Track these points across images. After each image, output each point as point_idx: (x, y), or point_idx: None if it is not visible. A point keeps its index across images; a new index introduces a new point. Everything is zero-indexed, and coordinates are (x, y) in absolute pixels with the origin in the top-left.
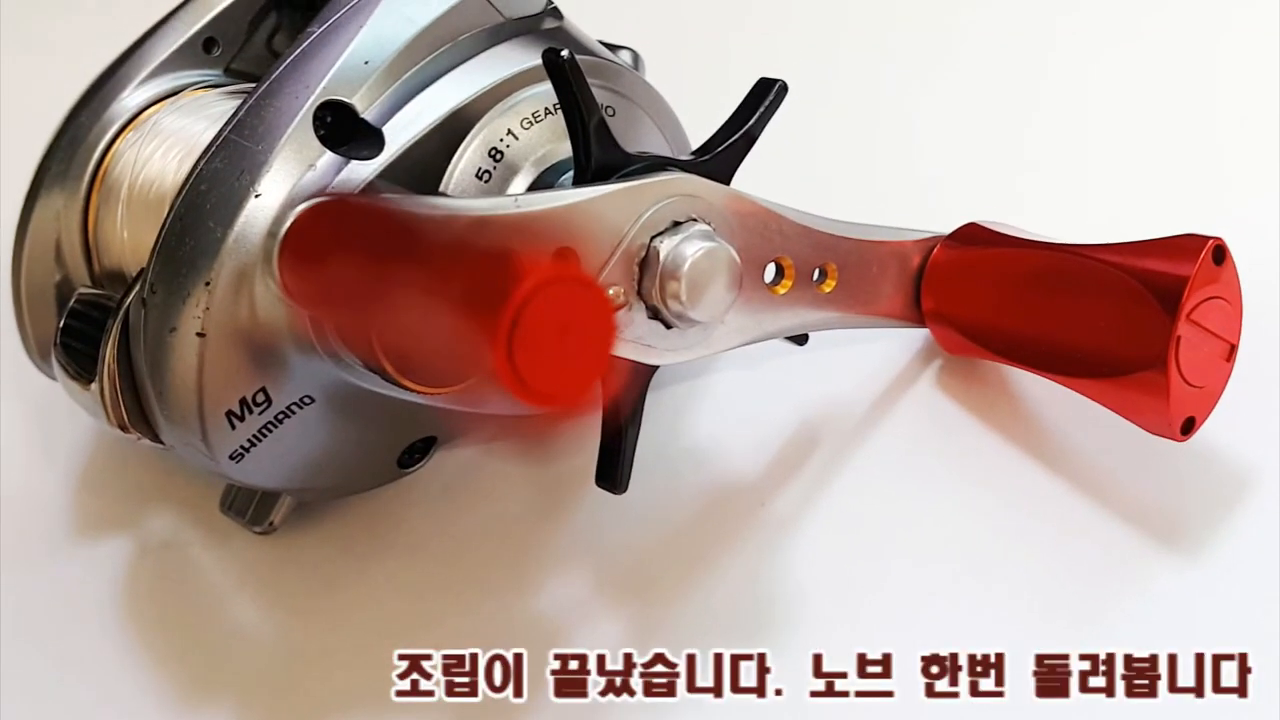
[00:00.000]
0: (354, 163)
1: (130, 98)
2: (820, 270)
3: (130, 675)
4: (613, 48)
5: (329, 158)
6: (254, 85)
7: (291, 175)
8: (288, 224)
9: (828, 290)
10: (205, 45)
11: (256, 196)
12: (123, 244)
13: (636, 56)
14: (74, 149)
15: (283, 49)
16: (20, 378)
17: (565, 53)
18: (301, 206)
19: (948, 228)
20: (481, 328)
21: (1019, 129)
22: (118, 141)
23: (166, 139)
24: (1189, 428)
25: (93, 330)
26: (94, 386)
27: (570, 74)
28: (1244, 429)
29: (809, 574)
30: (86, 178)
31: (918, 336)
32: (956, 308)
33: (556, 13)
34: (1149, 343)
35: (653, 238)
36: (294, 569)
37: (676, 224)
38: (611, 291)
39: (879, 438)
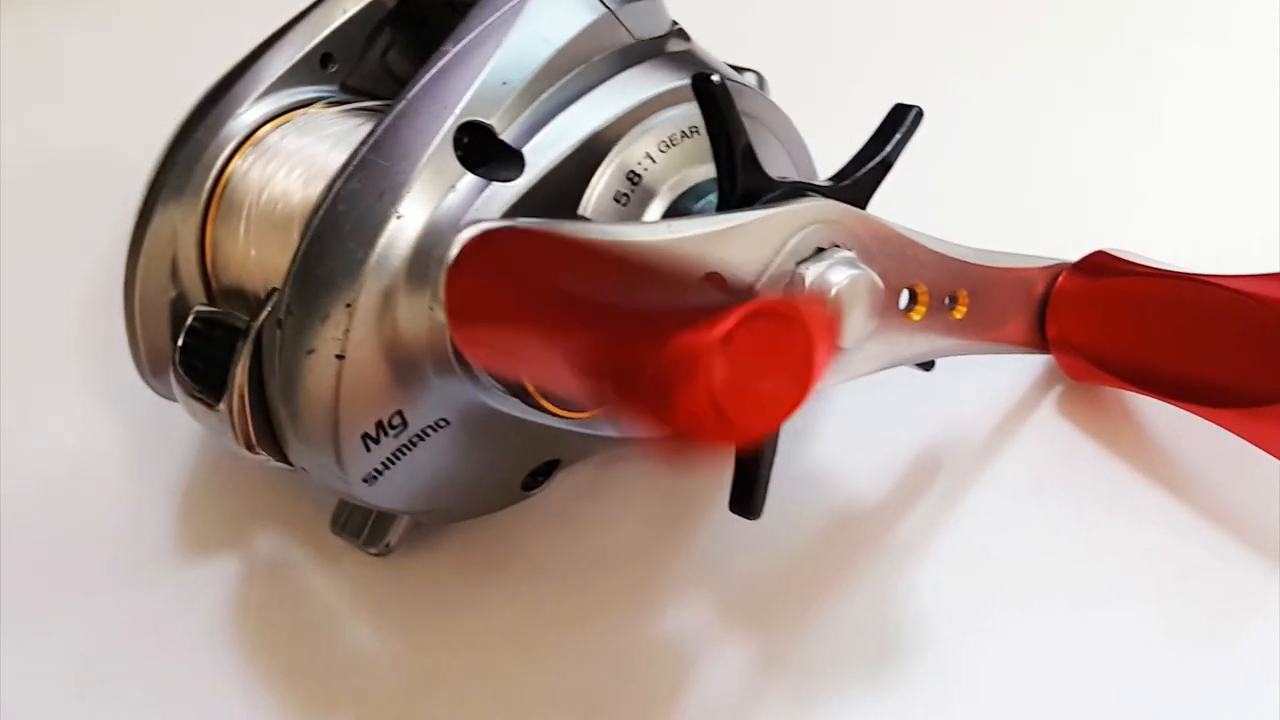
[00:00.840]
0: (495, 185)
1: (247, 114)
2: (951, 296)
3: (240, 700)
4: (737, 69)
5: (470, 180)
6: (385, 104)
7: (433, 197)
8: (454, 250)
9: (958, 316)
10: (322, 61)
11: (398, 218)
12: (244, 262)
13: (761, 79)
14: (190, 165)
15: (397, 66)
16: (119, 394)
17: (716, 77)
18: (469, 233)
19: (1059, 253)
20: (681, 363)
21: (1139, 155)
22: (235, 158)
23: (289, 158)
24: None
25: (213, 349)
26: (221, 406)
27: (720, 99)
28: None
29: (934, 604)
30: (204, 194)
31: (1038, 362)
32: (1084, 335)
33: (684, 34)
34: None
35: (798, 264)
36: (409, 592)
37: (820, 250)
38: None
39: (1003, 464)
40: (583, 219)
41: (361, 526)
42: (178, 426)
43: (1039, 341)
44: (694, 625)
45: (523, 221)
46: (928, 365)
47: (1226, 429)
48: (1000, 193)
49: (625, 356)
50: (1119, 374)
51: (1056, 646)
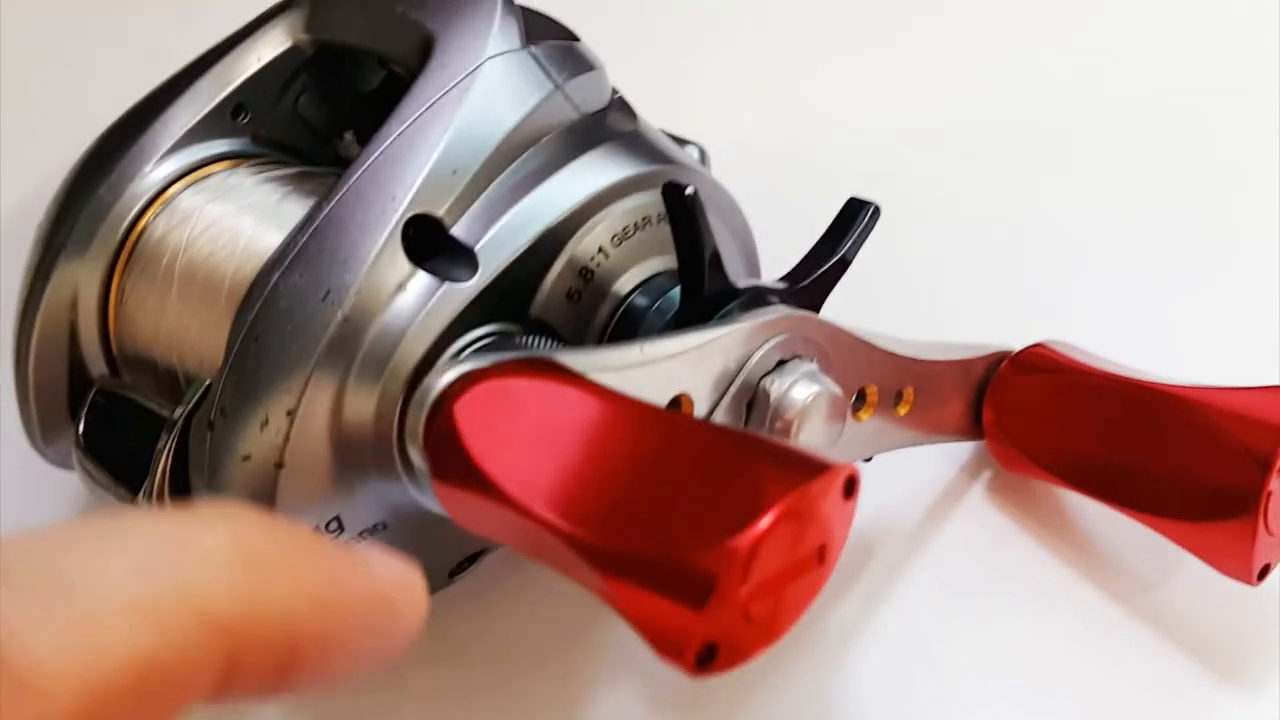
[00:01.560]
0: (448, 284)
1: (154, 171)
2: (898, 394)
3: None
4: (678, 140)
5: (421, 279)
6: (305, 170)
7: (382, 298)
8: (434, 392)
9: (903, 413)
10: (234, 112)
11: (345, 320)
12: (154, 332)
13: (703, 153)
14: (94, 223)
15: (309, 113)
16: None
17: (691, 190)
18: (450, 376)
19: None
20: (704, 580)
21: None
22: (145, 217)
23: (209, 227)
24: (1264, 574)
25: (120, 431)
26: (140, 501)
27: (692, 211)
28: None
29: (867, 692)
30: (110, 255)
31: (968, 446)
32: (1019, 427)
33: (624, 104)
34: (1237, 495)
35: (761, 378)
36: None
37: (782, 362)
38: None
39: (933, 553)
40: (544, 325)
41: None
42: (62, 482)
43: (973, 429)
44: (624, 715)
45: (504, 357)
46: (867, 458)
47: (1163, 535)
48: (946, 279)
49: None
50: (1054, 470)
51: None
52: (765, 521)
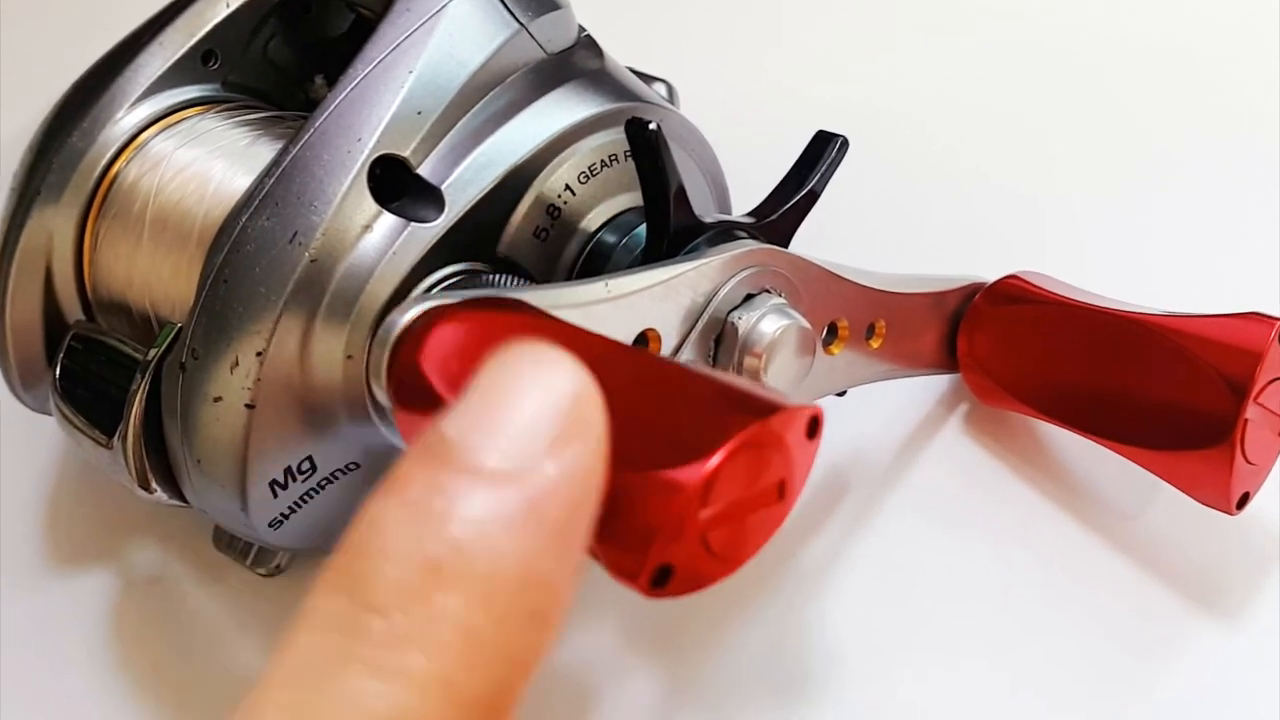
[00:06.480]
0: (414, 225)
1: (126, 118)
2: (870, 327)
3: None
4: (646, 78)
5: (387, 220)
6: (274, 114)
7: (348, 238)
8: (398, 329)
9: (875, 346)
10: (204, 58)
11: (312, 261)
12: (128, 277)
13: (671, 89)
14: (67, 169)
15: (279, 57)
16: None
17: (654, 125)
18: (413, 312)
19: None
20: (660, 507)
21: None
22: (118, 163)
23: (179, 171)
24: (1243, 503)
25: (97, 374)
26: (115, 443)
27: (656, 147)
28: None
29: (840, 628)
30: (84, 201)
31: (943, 379)
32: (994, 359)
33: (592, 43)
34: (1213, 422)
35: (729, 312)
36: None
37: (750, 296)
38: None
39: (909, 487)
40: (511, 263)
41: (249, 546)
42: (40, 427)
43: (948, 361)
44: (596, 651)
45: (468, 294)
46: (841, 391)
47: (1141, 466)
48: (923, 209)
49: None
50: (1030, 402)
51: (962, 678)
52: (725, 450)
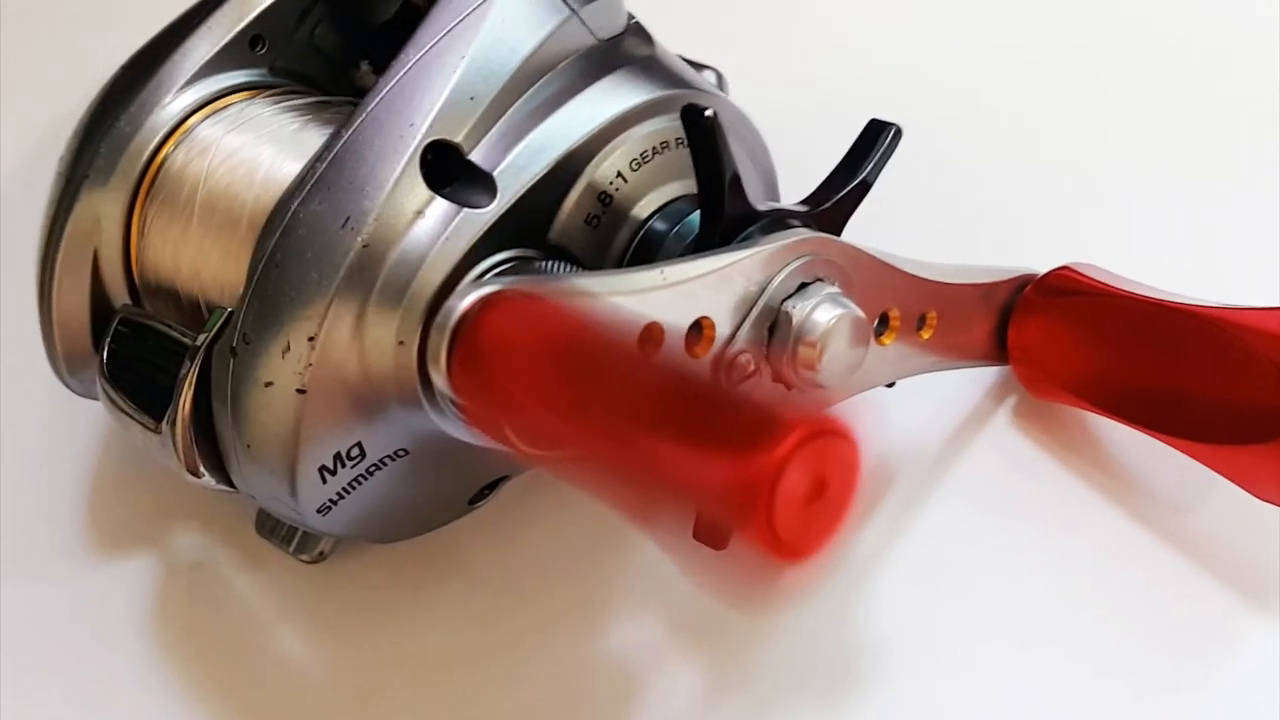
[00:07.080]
0: (466, 211)
1: (173, 103)
2: (921, 318)
3: (160, 706)
4: (695, 65)
5: (439, 205)
6: (322, 99)
7: (401, 224)
8: (457, 314)
9: (926, 337)
10: (251, 43)
11: (365, 246)
12: (176, 263)
13: (720, 77)
14: (115, 153)
15: (325, 43)
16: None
17: (710, 112)
18: (473, 296)
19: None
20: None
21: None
22: (165, 147)
23: (228, 156)
24: None
25: (144, 359)
26: (164, 428)
27: (712, 133)
28: None
29: (889, 619)
30: (132, 185)
31: (992, 371)
32: (1047, 354)
33: (641, 30)
34: (1270, 415)
35: (783, 301)
36: (340, 596)
37: (804, 285)
38: (742, 358)
39: (958, 479)
40: (562, 250)
41: (292, 533)
42: (85, 411)
43: (997, 353)
44: (642, 644)
45: (525, 282)
46: (890, 383)
47: (1194, 459)
48: (978, 201)
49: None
50: (1080, 393)
51: (1013, 672)
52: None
